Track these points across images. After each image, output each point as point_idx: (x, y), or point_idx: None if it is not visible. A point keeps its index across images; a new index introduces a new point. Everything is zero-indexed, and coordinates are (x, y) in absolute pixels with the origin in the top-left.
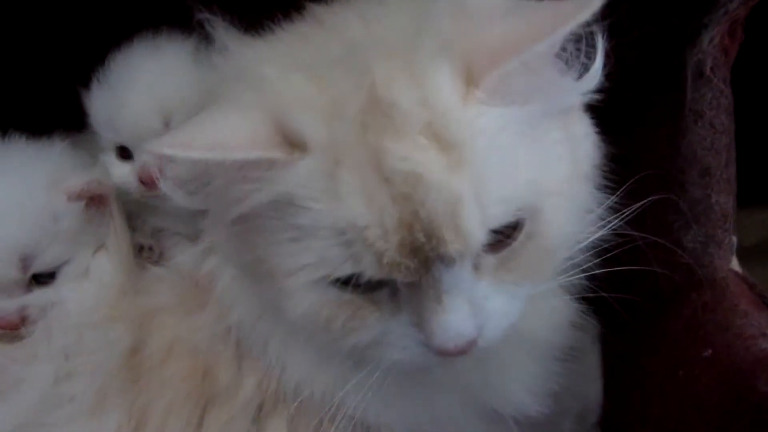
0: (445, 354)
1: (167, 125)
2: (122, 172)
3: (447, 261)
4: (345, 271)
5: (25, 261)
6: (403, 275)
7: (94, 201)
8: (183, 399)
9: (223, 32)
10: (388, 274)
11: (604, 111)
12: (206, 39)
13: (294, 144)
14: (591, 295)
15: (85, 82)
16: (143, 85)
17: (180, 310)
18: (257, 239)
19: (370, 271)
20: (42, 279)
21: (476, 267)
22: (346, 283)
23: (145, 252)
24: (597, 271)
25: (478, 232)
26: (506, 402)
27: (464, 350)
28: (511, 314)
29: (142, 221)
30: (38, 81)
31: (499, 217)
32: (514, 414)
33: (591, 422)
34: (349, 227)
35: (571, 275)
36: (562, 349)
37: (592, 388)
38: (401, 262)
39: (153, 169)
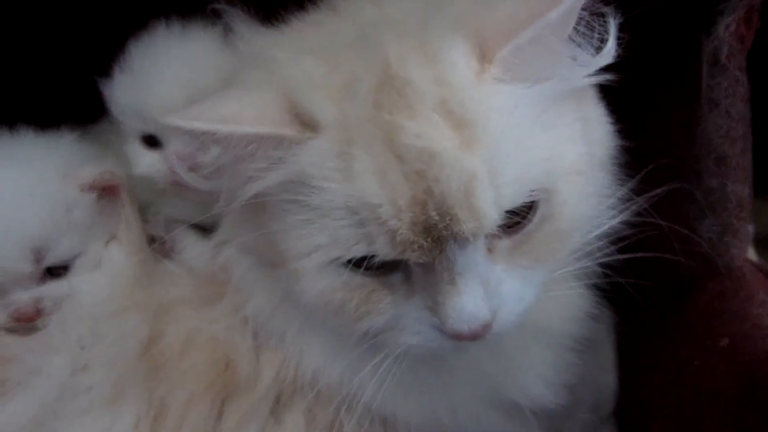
0: (459, 337)
1: None
2: (150, 161)
3: (460, 241)
4: (358, 251)
5: (38, 253)
6: (416, 255)
7: (106, 192)
8: (202, 391)
9: (238, 21)
10: (401, 254)
11: (617, 100)
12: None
13: (305, 123)
14: (605, 284)
15: (95, 71)
16: (171, 72)
17: (196, 301)
18: (270, 223)
19: (383, 251)
20: (55, 271)
21: (490, 250)
22: (358, 265)
23: (157, 244)
24: (611, 258)
25: (491, 211)
26: (523, 393)
27: (478, 334)
28: (526, 299)
29: (153, 212)
30: (44, 72)
31: (514, 196)
32: (531, 405)
33: (605, 413)
34: (362, 206)
35: (587, 263)
36: (578, 340)
37: (606, 379)
38: (414, 241)
39: (186, 155)
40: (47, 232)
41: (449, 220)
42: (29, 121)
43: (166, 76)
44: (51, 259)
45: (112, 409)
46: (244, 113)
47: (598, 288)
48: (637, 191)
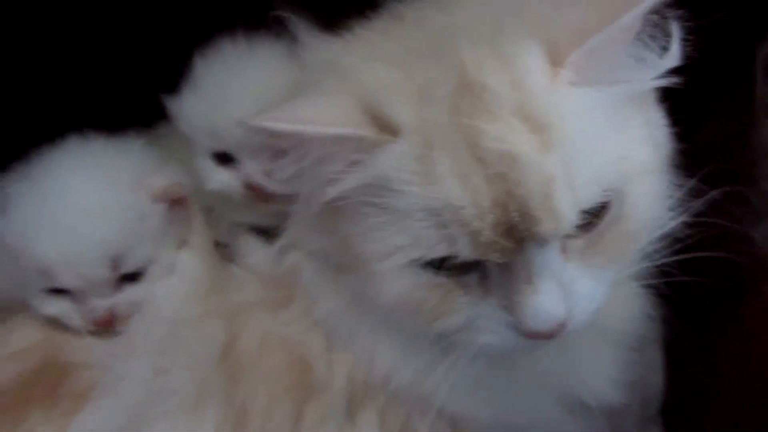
0: (535, 336)
1: None
2: (222, 177)
3: (539, 241)
4: (439, 252)
5: (116, 261)
6: (496, 255)
7: (176, 202)
8: (282, 393)
9: (302, 30)
10: (482, 255)
11: (672, 104)
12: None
13: (384, 127)
14: (660, 284)
15: (155, 79)
16: (243, 90)
17: (267, 305)
18: (347, 226)
19: (464, 251)
20: (130, 277)
21: (564, 250)
22: (437, 266)
23: (221, 249)
24: (670, 259)
25: (570, 212)
26: (591, 392)
27: (554, 332)
28: (598, 298)
29: (216, 218)
30: (106, 78)
31: (589, 197)
32: (598, 404)
33: (652, 412)
34: (444, 208)
35: (649, 263)
36: (637, 339)
37: (656, 378)
38: (496, 242)
39: (260, 176)
40: (124, 241)
41: (530, 221)
42: (88, 126)
43: (236, 95)
44: (127, 266)
45: (195, 413)
46: (323, 115)
47: (651, 286)
48: (694, 194)
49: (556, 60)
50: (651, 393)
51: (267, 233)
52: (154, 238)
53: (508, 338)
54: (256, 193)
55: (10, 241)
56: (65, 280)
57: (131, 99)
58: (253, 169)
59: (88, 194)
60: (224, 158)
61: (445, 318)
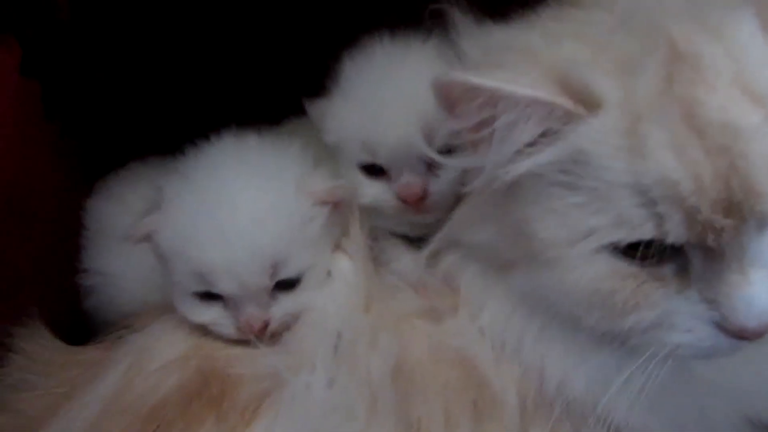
0: (743, 333)
1: (431, 139)
2: (375, 192)
3: (762, 221)
4: (644, 233)
5: (275, 267)
6: (711, 238)
7: (336, 206)
8: (460, 411)
9: (463, 21)
10: (696, 236)
11: None
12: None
13: (582, 101)
14: None
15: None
16: (401, 100)
17: (428, 315)
18: (527, 210)
19: (675, 232)
20: (285, 284)
21: None
22: (631, 255)
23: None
24: None
25: None
26: None
27: (766, 330)
28: None
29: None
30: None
31: None
32: None
33: None
34: (656, 183)
35: None
36: None
37: None
38: (714, 221)
39: (419, 191)
40: (287, 246)
41: (755, 197)
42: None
43: (395, 105)
44: (285, 273)
45: (368, 430)
46: (519, 79)
47: None
48: None
49: None
50: None
51: (410, 240)
52: (313, 244)
53: (706, 337)
54: (410, 206)
55: (165, 242)
56: (223, 286)
57: (257, 96)
58: (411, 180)
59: (252, 197)
60: (373, 169)
61: (637, 312)
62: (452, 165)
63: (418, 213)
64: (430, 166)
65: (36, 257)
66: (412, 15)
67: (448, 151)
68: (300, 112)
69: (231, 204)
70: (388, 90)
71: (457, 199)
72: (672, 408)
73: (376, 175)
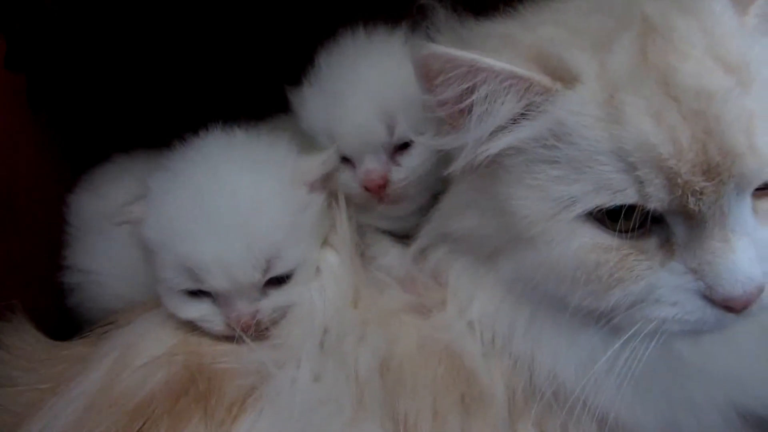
0: (729, 302)
1: (392, 129)
2: (343, 179)
3: (741, 184)
4: (626, 198)
5: (269, 263)
6: (693, 201)
7: (328, 181)
8: (449, 405)
9: (442, 15)
10: (677, 199)
11: None
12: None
13: (558, 77)
14: None
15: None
16: (361, 89)
17: (416, 309)
18: (509, 190)
19: (656, 195)
20: (276, 281)
21: (755, 211)
22: (611, 226)
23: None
24: None
25: None
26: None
27: (751, 299)
28: None
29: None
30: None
31: None
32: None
33: None
34: (636, 149)
35: None
36: None
37: None
38: (694, 183)
39: (378, 178)
40: (281, 241)
41: (731, 159)
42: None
43: (357, 96)
44: (279, 269)
45: (355, 424)
46: (496, 56)
47: None
48: None
49: (739, 8)
50: None
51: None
52: (305, 238)
53: (693, 309)
54: (374, 194)
55: (153, 238)
56: (214, 283)
57: (243, 90)
58: (371, 167)
59: (246, 191)
60: (344, 158)
61: (622, 286)
62: (434, 145)
63: (382, 202)
64: (393, 156)
65: (21, 252)
66: (400, 11)
67: (408, 144)
68: (283, 109)
69: (226, 197)
70: (349, 80)
71: (432, 197)
72: (659, 395)
73: (345, 163)
